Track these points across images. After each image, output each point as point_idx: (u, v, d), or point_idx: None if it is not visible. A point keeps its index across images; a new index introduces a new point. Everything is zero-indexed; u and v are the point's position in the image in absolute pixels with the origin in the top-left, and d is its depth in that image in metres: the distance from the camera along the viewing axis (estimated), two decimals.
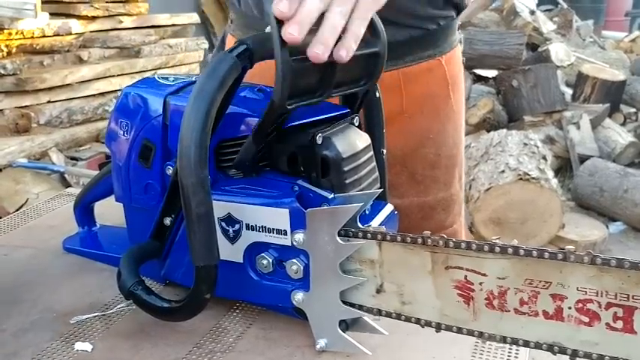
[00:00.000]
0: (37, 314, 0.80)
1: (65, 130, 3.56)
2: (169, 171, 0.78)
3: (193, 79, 0.82)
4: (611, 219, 3.66)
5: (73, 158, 3.50)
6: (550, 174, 3.26)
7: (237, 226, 0.73)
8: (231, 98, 0.71)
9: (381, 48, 0.74)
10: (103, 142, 3.72)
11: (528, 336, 0.60)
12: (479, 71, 4.66)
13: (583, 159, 3.90)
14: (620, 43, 6.58)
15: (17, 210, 2.35)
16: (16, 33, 3.41)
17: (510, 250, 0.59)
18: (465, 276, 0.62)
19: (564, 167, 4.09)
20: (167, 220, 0.79)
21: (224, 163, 0.76)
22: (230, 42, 1.13)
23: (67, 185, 3.14)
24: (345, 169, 0.72)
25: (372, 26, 0.73)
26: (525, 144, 3.33)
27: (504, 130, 3.65)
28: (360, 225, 0.69)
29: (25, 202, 3.05)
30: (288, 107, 0.67)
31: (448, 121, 1.08)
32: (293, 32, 0.63)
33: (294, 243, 0.70)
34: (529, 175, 3.06)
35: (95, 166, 3.40)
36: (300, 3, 0.64)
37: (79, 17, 3.64)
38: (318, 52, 0.64)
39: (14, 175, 3.19)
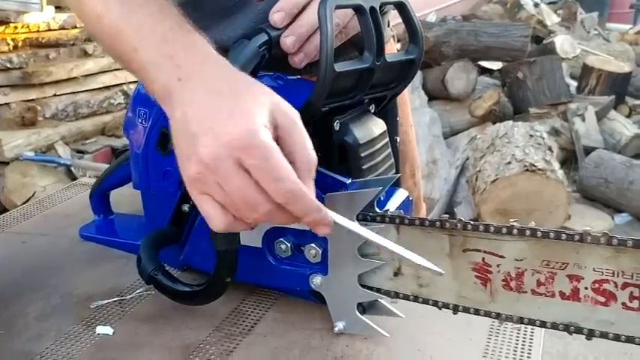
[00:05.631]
0: (58, 299, 0.82)
1: (71, 123, 3.58)
2: None
3: None
4: (617, 210, 3.66)
5: (79, 151, 3.52)
6: (556, 165, 3.26)
7: None
8: None
9: (418, 55, 0.77)
10: (109, 135, 3.73)
11: (545, 316, 0.61)
12: (484, 63, 4.66)
13: (588, 151, 3.90)
14: (625, 36, 6.57)
15: (25, 202, 2.37)
16: (22, 27, 3.43)
17: (528, 232, 0.60)
18: (483, 258, 0.63)
19: (569, 159, 4.09)
20: (185, 207, 0.80)
21: None
22: None
23: (74, 178, 3.16)
24: (363, 154, 0.73)
25: (413, 34, 0.75)
26: (531, 135, 3.33)
27: (510, 122, 3.65)
28: (377, 209, 0.70)
29: (33, 194, 3.07)
30: (322, 109, 0.69)
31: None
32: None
33: None
34: (535, 166, 3.07)
35: (101, 158, 3.42)
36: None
37: None
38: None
39: (21, 168, 3.21)
